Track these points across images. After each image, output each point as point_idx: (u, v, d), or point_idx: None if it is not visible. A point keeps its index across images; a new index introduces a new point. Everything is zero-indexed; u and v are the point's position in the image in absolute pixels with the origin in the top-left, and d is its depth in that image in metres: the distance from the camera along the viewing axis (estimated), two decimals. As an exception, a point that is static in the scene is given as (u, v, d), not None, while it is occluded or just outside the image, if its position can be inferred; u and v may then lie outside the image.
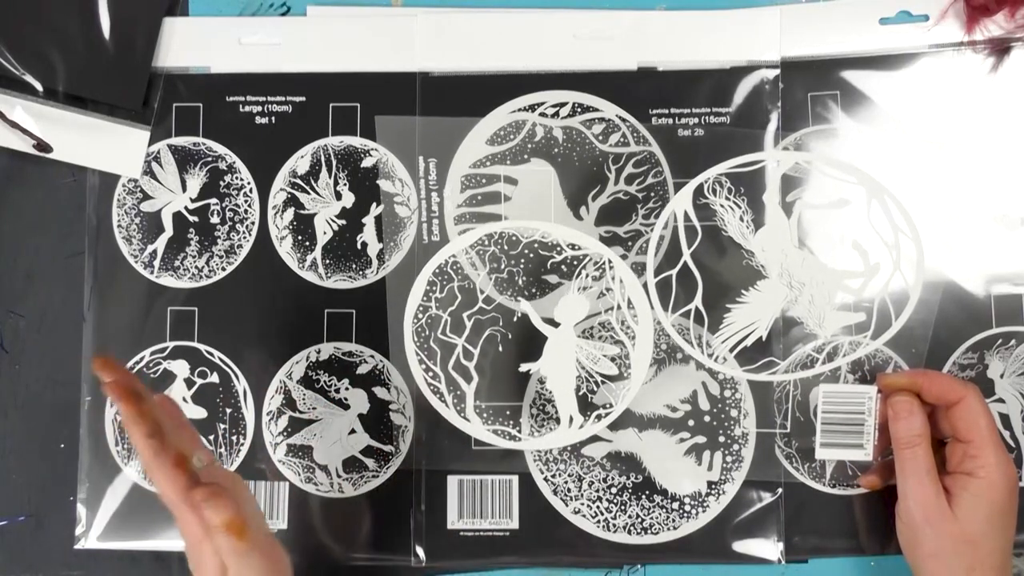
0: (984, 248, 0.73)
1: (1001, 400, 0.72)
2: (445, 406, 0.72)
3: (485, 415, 0.72)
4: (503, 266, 0.73)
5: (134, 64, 0.74)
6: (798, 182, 0.73)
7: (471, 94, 0.74)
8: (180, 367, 0.74)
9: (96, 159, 0.75)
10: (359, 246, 0.74)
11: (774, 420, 0.73)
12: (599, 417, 0.72)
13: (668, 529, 0.73)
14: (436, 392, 0.72)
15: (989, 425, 0.65)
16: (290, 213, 0.75)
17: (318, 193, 0.75)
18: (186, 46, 0.75)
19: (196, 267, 0.75)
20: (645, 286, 0.72)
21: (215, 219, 0.75)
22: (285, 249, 0.75)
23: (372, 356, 0.74)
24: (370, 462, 0.74)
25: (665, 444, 0.73)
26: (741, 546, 0.72)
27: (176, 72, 0.75)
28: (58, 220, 0.76)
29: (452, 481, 0.73)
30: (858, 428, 0.69)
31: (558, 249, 0.72)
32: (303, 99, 0.75)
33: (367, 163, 0.75)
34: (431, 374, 0.72)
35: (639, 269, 0.73)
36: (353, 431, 0.74)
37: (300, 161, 0.75)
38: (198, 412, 0.74)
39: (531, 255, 0.73)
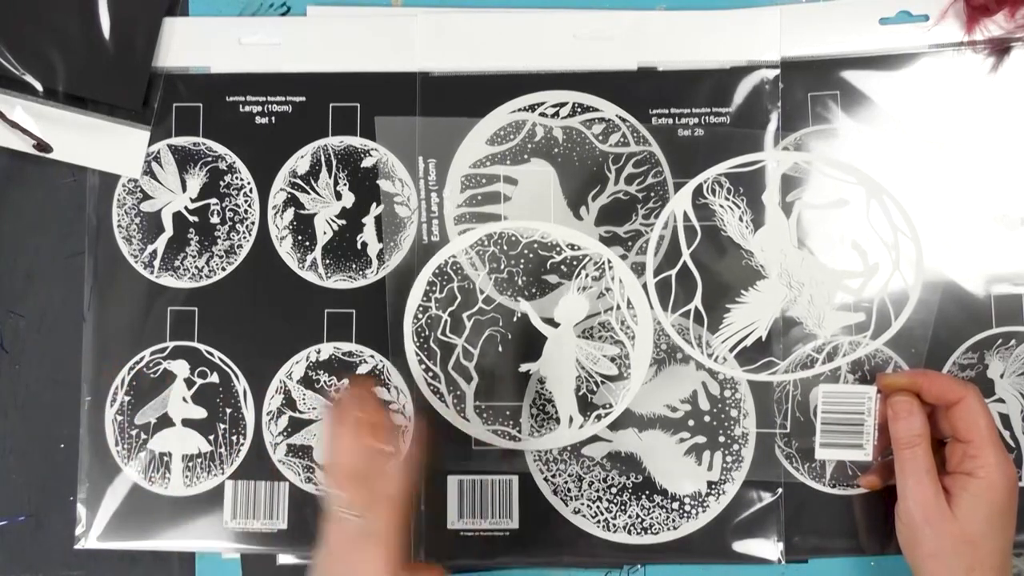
0: (984, 248, 0.73)
1: (1001, 400, 0.72)
2: (445, 406, 0.72)
3: (485, 415, 0.72)
4: (503, 266, 0.73)
5: (134, 64, 0.74)
6: (797, 182, 0.73)
7: (471, 94, 0.74)
8: (180, 367, 0.74)
9: (96, 159, 0.75)
10: (359, 246, 0.74)
11: (774, 420, 0.73)
12: (599, 417, 0.72)
13: (668, 529, 0.73)
14: (436, 392, 0.72)
15: (989, 425, 0.65)
16: (290, 213, 0.75)
17: (318, 193, 0.75)
18: (186, 46, 0.75)
19: (196, 267, 0.75)
20: (645, 286, 0.72)
21: (215, 219, 0.75)
22: (285, 249, 0.75)
23: (372, 356, 0.74)
24: (370, 462, 0.74)
25: (665, 444, 0.73)
26: (741, 546, 0.72)
27: (176, 72, 0.75)
28: (58, 220, 0.76)
29: (452, 481, 0.73)
30: (858, 428, 0.69)
31: (558, 249, 0.72)
32: (303, 99, 0.75)
33: (367, 163, 0.75)
34: (431, 374, 0.72)
35: (639, 269, 0.73)
36: (353, 431, 0.74)
37: (300, 161, 0.75)
38: (198, 412, 0.74)
39: (531, 255, 0.73)
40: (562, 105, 0.74)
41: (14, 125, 0.73)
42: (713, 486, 0.73)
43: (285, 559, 0.74)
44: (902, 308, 0.71)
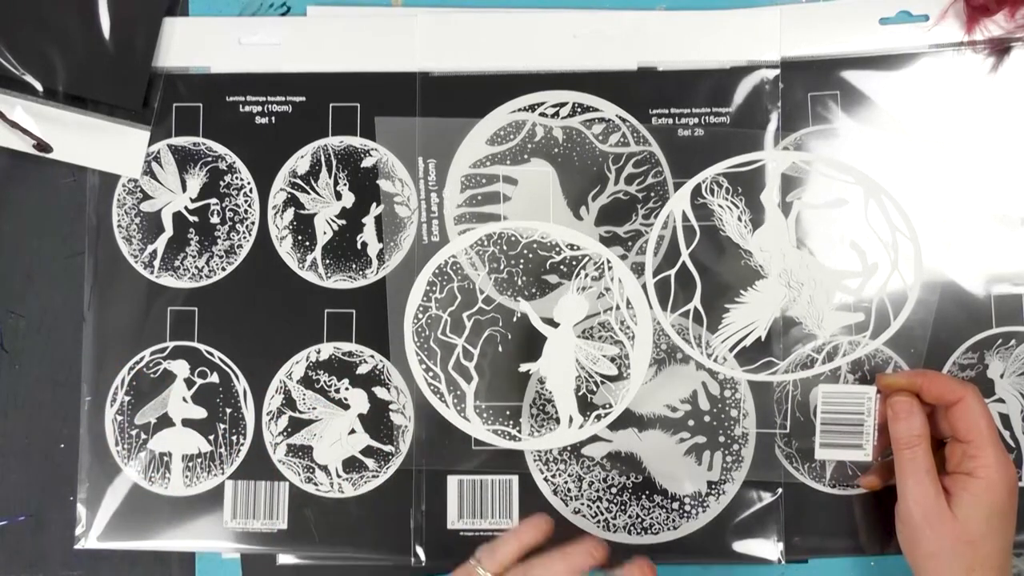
0: (984, 248, 0.73)
1: (1001, 400, 0.72)
2: (445, 406, 0.72)
3: (485, 415, 0.72)
4: (503, 266, 0.73)
5: (134, 64, 0.74)
6: (796, 182, 0.73)
7: (471, 94, 0.74)
8: (180, 367, 0.74)
9: (96, 159, 0.75)
10: (359, 246, 0.74)
11: (774, 420, 0.73)
12: (599, 417, 0.72)
13: (668, 529, 0.73)
14: (436, 392, 0.72)
15: (988, 425, 0.65)
16: (290, 213, 0.75)
17: (318, 193, 0.75)
18: (186, 46, 0.75)
19: (196, 267, 0.75)
20: (644, 286, 0.72)
21: (215, 219, 0.75)
22: (285, 249, 0.75)
23: (372, 356, 0.74)
24: (370, 462, 0.74)
25: (665, 444, 0.73)
26: (741, 546, 0.72)
27: (176, 72, 0.75)
28: (58, 220, 0.76)
29: (452, 481, 0.74)
30: (858, 428, 0.69)
31: (557, 249, 0.72)
32: (303, 99, 0.75)
33: (367, 163, 0.75)
34: (431, 374, 0.72)
35: (638, 269, 0.73)
36: (353, 431, 0.74)
37: (300, 161, 0.75)
38: (198, 412, 0.74)
39: (530, 255, 0.73)
40: (562, 105, 0.74)
41: (14, 125, 0.73)
42: (713, 486, 0.73)
43: (285, 559, 0.74)
44: (901, 308, 0.71)
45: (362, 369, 0.74)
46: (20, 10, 0.74)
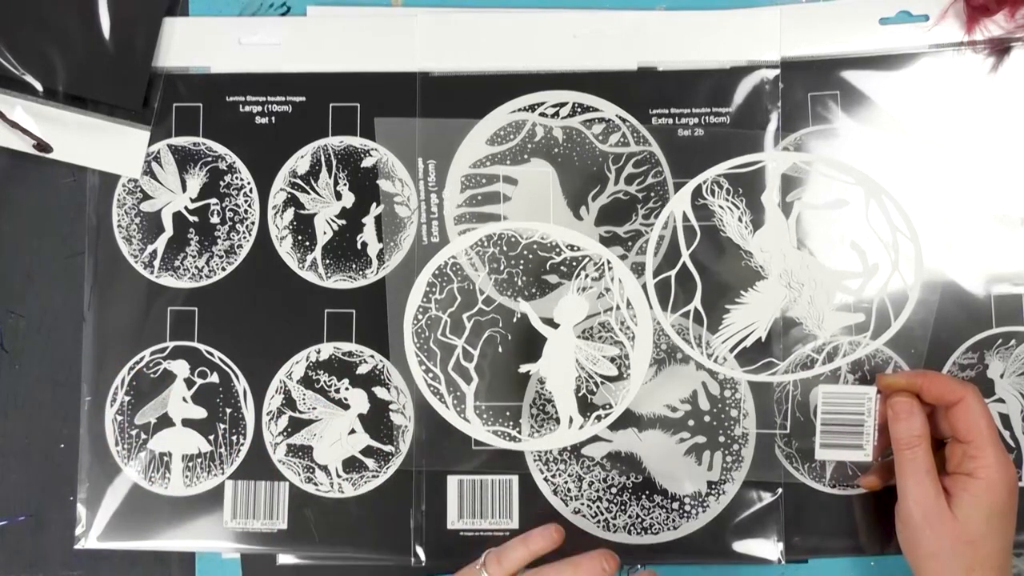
0: (984, 248, 0.73)
1: (1001, 400, 0.72)
2: (445, 407, 0.72)
3: (485, 416, 0.72)
4: (503, 267, 0.73)
5: (134, 64, 0.74)
6: (797, 182, 0.73)
7: (471, 94, 0.74)
8: (180, 367, 0.74)
9: (96, 159, 0.75)
10: (359, 246, 0.74)
11: (774, 420, 0.73)
12: (599, 418, 0.72)
13: (668, 529, 0.73)
14: (436, 393, 0.72)
15: (989, 425, 0.65)
16: (290, 213, 0.75)
17: (318, 193, 0.75)
18: (186, 46, 0.75)
19: (196, 267, 0.75)
20: (644, 287, 0.72)
21: (215, 219, 0.75)
22: (285, 249, 0.75)
23: (372, 356, 0.74)
24: (370, 462, 0.74)
25: (665, 444, 0.73)
26: (741, 546, 0.72)
27: (176, 72, 0.75)
28: (58, 220, 0.76)
29: (452, 481, 0.74)
30: (858, 429, 0.69)
31: (557, 250, 0.72)
32: (303, 99, 0.75)
33: (367, 163, 0.75)
34: (431, 375, 0.72)
35: (639, 269, 0.73)
36: (353, 431, 0.74)
37: (300, 161, 0.75)
38: (198, 412, 0.74)
39: (530, 256, 0.73)
40: (562, 105, 0.74)
41: (14, 125, 0.73)
42: (713, 486, 0.73)
43: (285, 559, 0.74)
44: (902, 308, 0.71)
45: (362, 369, 0.74)
46: (20, 10, 0.74)
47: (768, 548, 0.72)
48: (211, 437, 0.74)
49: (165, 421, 0.74)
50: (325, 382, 0.74)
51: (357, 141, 0.75)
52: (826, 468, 0.73)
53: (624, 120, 0.74)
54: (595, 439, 0.73)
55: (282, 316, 0.75)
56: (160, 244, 0.75)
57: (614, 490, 0.73)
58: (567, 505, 0.73)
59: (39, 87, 0.74)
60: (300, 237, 0.75)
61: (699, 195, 0.72)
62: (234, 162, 0.75)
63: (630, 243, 0.73)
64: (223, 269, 0.75)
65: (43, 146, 0.74)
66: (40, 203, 0.76)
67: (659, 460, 0.73)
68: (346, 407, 0.74)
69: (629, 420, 0.73)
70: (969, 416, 0.65)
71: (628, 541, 0.73)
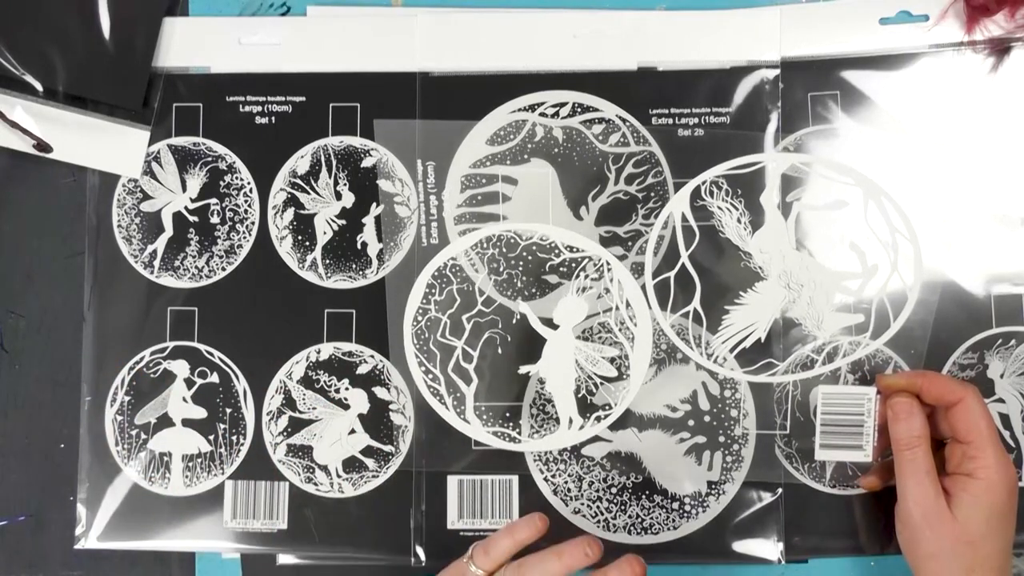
0: (984, 248, 0.73)
1: (1001, 400, 0.72)
2: (445, 408, 0.72)
3: (485, 417, 0.72)
4: (502, 268, 0.73)
5: (134, 64, 0.74)
6: (796, 183, 0.72)
7: (471, 94, 0.74)
8: (180, 367, 0.75)
9: (96, 159, 0.75)
10: (359, 246, 0.74)
11: (774, 420, 0.73)
12: (599, 418, 0.72)
13: (668, 529, 0.73)
14: (436, 394, 0.72)
15: (988, 426, 0.65)
16: (290, 213, 0.75)
17: (318, 193, 0.75)
18: (186, 46, 0.75)
19: (196, 267, 0.75)
20: (643, 287, 0.72)
21: (215, 219, 0.75)
22: (285, 249, 0.75)
23: (372, 356, 0.74)
24: (370, 462, 0.74)
25: (665, 444, 0.73)
26: (741, 546, 0.73)
27: (176, 72, 0.75)
28: (58, 220, 0.76)
29: (452, 481, 0.74)
30: (858, 429, 0.69)
31: (557, 251, 0.72)
32: (303, 99, 0.75)
33: (367, 163, 0.75)
34: (431, 376, 0.72)
35: (638, 270, 0.73)
36: (353, 431, 0.74)
37: (300, 161, 0.75)
38: (198, 412, 0.74)
39: (530, 257, 0.73)
40: (562, 105, 0.74)
41: (14, 125, 0.73)
42: (713, 486, 0.73)
43: (285, 559, 0.74)
44: (901, 308, 0.71)
45: (362, 369, 0.74)
46: (20, 10, 0.74)
47: (768, 548, 0.72)
48: (211, 437, 0.74)
49: (165, 421, 0.74)
50: (325, 382, 0.74)
51: (357, 141, 0.75)
52: (826, 468, 0.73)
53: (624, 120, 0.74)
54: (595, 439, 0.73)
55: (282, 316, 0.75)
56: (160, 244, 0.75)
57: (614, 490, 0.73)
58: (567, 505, 0.73)
59: (39, 87, 0.74)
60: (300, 237, 0.75)
61: (698, 196, 0.72)
62: (234, 162, 0.75)
63: (630, 243, 0.73)
64: (223, 269, 0.75)
65: (43, 146, 0.74)
66: (40, 203, 0.76)
67: (659, 460, 0.73)
68: (346, 407, 0.74)
69: (629, 420, 0.73)
70: (969, 417, 0.65)
71: (628, 541, 0.73)
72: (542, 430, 0.72)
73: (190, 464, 0.74)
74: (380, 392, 0.74)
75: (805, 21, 0.74)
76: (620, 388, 0.72)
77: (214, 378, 0.74)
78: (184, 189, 0.75)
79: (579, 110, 0.74)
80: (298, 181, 0.75)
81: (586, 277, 0.72)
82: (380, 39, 0.75)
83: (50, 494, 0.75)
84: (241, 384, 0.74)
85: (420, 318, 0.72)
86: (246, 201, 0.75)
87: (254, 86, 0.75)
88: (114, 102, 0.75)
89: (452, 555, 0.72)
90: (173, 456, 0.74)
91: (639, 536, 0.73)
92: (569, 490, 0.73)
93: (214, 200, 0.75)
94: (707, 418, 0.73)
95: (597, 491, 0.73)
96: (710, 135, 0.73)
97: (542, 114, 0.74)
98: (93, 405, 0.75)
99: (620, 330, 0.72)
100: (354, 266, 0.74)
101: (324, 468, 0.74)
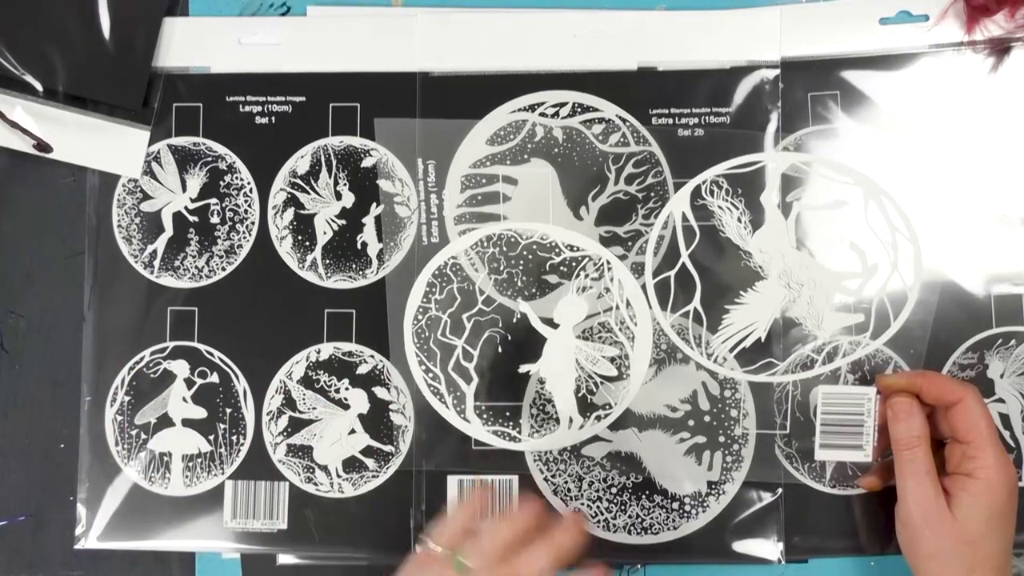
0: (984, 248, 0.73)
1: (1001, 400, 0.72)
2: (445, 407, 0.72)
3: (485, 416, 0.72)
4: (502, 267, 0.73)
5: (134, 64, 0.74)
6: (796, 183, 0.73)
7: (471, 94, 0.74)
8: (180, 367, 0.75)
9: (96, 159, 0.75)
10: (359, 246, 0.74)
11: (774, 420, 0.73)
12: (599, 418, 0.72)
13: (668, 529, 0.73)
14: (436, 393, 0.72)
15: (988, 426, 0.65)
16: (290, 213, 0.75)
17: (318, 193, 0.75)
18: (186, 46, 0.75)
19: (196, 267, 0.75)
20: (644, 287, 0.72)
21: (215, 219, 0.75)
22: (285, 249, 0.75)
23: (372, 356, 0.74)
24: (370, 462, 0.74)
25: (665, 444, 0.73)
26: (741, 546, 0.72)
27: (176, 72, 0.75)
28: (58, 220, 0.76)
29: (452, 481, 0.74)
30: (857, 429, 0.69)
31: (557, 250, 0.72)
32: (303, 99, 0.75)
33: (367, 163, 0.75)
34: (431, 375, 0.72)
35: (639, 269, 0.73)
36: (353, 431, 0.74)
37: (300, 161, 0.75)
38: (198, 412, 0.74)
39: (530, 256, 0.73)
40: (562, 105, 0.74)
41: (14, 125, 0.73)
42: (713, 486, 0.73)
43: (285, 559, 0.74)
44: (901, 308, 0.71)
45: (362, 369, 0.74)
46: (20, 10, 0.74)
47: (768, 548, 0.72)
48: (211, 437, 0.74)
49: (165, 421, 0.74)
50: (325, 382, 0.74)
51: (357, 141, 0.75)
52: (826, 468, 0.73)
53: (624, 120, 0.74)
54: (595, 439, 0.73)
55: (282, 316, 0.75)
56: (160, 244, 0.75)
57: (614, 490, 0.73)
58: (567, 505, 0.73)
59: (39, 87, 0.74)
60: (300, 237, 0.75)
61: (698, 195, 0.72)
62: (234, 162, 0.75)
63: (630, 243, 0.73)
64: (223, 269, 0.75)
65: (43, 146, 0.74)
66: (40, 203, 0.76)
67: (659, 460, 0.73)
68: (346, 407, 0.74)
69: (629, 420, 0.73)
70: (969, 417, 0.65)
71: (628, 541, 0.73)
72: (542, 430, 0.72)
73: (190, 464, 0.74)
74: (380, 392, 0.74)
75: (805, 21, 0.74)
76: (620, 388, 0.72)
77: (214, 378, 0.74)
78: (184, 189, 0.75)
79: (579, 110, 0.74)
80: (298, 181, 0.75)
81: (586, 276, 0.72)
82: (380, 39, 0.75)
83: (50, 494, 0.75)
84: (241, 384, 0.74)
85: (420, 317, 0.72)
86: (246, 201, 0.75)
87: (254, 86, 0.75)
88: (114, 102, 0.75)
89: (452, 555, 0.72)
90: (173, 456, 0.74)
91: (639, 536, 0.73)
92: (569, 490, 0.73)
93: (214, 200, 0.75)
94: (707, 418, 0.73)
95: (597, 491, 0.73)
96: (710, 135, 0.73)
97: (542, 114, 0.74)
98: (93, 405, 0.75)
99: (620, 330, 0.72)
100: (354, 266, 0.74)
101: (324, 468, 0.74)
